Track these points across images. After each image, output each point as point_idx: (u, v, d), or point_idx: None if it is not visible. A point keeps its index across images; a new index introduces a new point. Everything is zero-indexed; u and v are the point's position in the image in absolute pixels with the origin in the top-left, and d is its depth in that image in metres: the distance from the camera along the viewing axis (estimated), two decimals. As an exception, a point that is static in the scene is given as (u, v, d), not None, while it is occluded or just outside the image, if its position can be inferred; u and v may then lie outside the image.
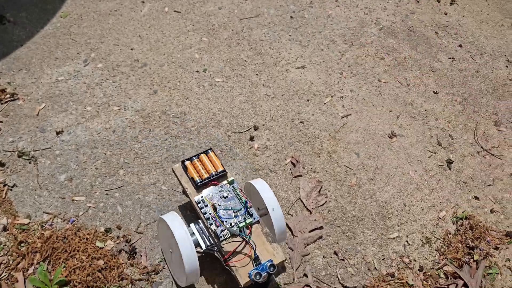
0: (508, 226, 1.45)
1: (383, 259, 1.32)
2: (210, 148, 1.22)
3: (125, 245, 1.24)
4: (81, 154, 1.40)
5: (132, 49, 1.69)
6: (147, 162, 1.41)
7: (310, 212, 1.38)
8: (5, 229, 1.23)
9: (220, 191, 1.14)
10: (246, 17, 1.89)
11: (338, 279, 1.27)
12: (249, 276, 1.02)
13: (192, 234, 1.09)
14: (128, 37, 1.74)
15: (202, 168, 1.17)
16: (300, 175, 1.46)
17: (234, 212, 1.11)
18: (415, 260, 1.34)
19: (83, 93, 1.54)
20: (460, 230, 1.41)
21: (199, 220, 1.12)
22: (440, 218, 1.44)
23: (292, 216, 1.36)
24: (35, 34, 1.66)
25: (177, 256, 1.03)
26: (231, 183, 1.16)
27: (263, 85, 1.69)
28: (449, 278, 1.32)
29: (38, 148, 1.39)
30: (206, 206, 1.11)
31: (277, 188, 1.42)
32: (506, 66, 1.93)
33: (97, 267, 1.18)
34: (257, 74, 1.72)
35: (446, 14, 2.15)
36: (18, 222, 1.24)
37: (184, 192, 1.20)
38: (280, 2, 2.00)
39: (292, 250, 1.30)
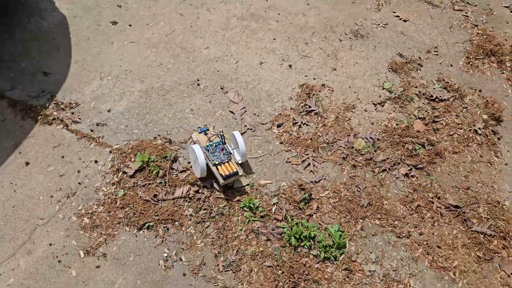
0: (322, 81, 3.23)
1: (274, 110, 3.01)
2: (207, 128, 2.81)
3: (166, 140, 2.76)
4: (125, 115, 2.88)
5: (120, 66, 3.19)
6: (157, 108, 2.94)
7: (237, 103, 3.03)
8: (110, 152, 2.69)
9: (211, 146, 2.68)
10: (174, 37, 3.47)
11: (258, 122, 2.93)
12: (221, 182, 2.54)
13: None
14: (115, 61, 3.22)
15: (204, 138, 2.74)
16: (227, 91, 3.10)
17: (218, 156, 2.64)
18: (288, 106, 3.04)
19: (109, 92, 3.01)
20: (303, 89, 3.15)
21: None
22: (293, 88, 3.17)
23: (230, 107, 2.99)
24: (66, 75, 3.07)
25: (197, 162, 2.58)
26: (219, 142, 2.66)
27: (192, 61, 3.29)
28: (303, 108, 3.04)
29: (104, 119, 2.84)
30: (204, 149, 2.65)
31: (220, 100, 3.03)
32: (304, 15, 3.75)
33: (159, 150, 2.69)
34: (187, 58, 3.31)
35: None
36: (114, 147, 2.71)
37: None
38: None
39: (235, 118, 2.93)
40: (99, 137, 2.76)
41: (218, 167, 2.48)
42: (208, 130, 2.67)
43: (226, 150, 2.56)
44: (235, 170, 2.47)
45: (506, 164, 2.88)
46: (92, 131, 2.78)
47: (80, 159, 2.65)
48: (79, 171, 2.59)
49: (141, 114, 2.90)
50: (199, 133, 2.65)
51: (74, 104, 2.91)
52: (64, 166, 2.61)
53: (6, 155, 2.61)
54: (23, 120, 2.79)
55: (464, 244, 2.49)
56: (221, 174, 2.45)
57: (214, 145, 2.58)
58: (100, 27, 3.42)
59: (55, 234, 2.35)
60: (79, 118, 2.84)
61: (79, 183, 2.54)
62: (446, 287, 2.33)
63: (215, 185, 2.57)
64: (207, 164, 2.49)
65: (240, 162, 2.61)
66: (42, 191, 2.50)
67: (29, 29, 3.31)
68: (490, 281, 2.36)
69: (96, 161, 2.64)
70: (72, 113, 2.86)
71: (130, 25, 3.46)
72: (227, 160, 2.52)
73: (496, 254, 2.46)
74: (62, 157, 2.65)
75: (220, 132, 2.63)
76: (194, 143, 2.64)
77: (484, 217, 2.59)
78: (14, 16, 3.38)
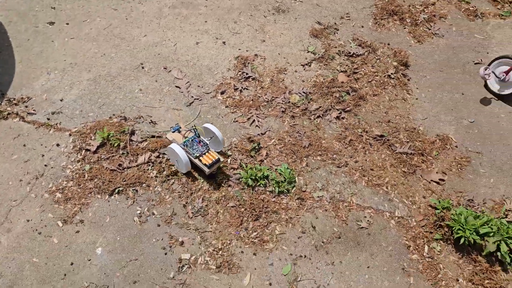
0: (254, 52, 3.60)
1: (216, 81, 3.34)
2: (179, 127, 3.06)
3: (121, 118, 3.00)
4: (78, 102, 3.07)
5: (65, 60, 3.36)
6: (107, 92, 3.16)
7: (182, 79, 3.32)
8: (70, 135, 2.88)
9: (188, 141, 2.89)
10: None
11: (203, 92, 3.24)
12: (207, 171, 2.74)
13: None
14: (59, 56, 3.38)
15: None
16: (170, 70, 3.38)
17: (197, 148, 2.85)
18: (228, 76, 3.38)
19: (58, 84, 3.18)
20: (238, 61, 3.51)
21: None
22: (229, 61, 3.52)
23: (175, 83, 3.28)
24: (13, 74, 3.20)
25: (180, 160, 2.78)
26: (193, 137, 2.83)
27: (133, 49, 3.53)
28: (241, 75, 3.40)
29: (58, 108, 3.02)
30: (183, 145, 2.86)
31: (165, 78, 3.31)
32: None
33: (116, 127, 2.92)
34: (127, 46, 3.56)
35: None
36: (73, 130, 2.90)
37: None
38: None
39: (182, 92, 3.22)
40: (56, 124, 2.93)
41: (200, 158, 2.62)
42: (180, 128, 2.78)
43: (202, 142, 2.70)
44: (217, 158, 2.63)
45: (416, 99, 3.41)
46: (48, 119, 2.95)
47: (41, 145, 2.81)
48: (43, 155, 2.76)
49: (93, 99, 3.11)
50: (173, 132, 2.78)
51: (26, 99, 3.06)
52: (28, 153, 2.77)
53: (-33, 151, 2.72)
54: (-22, 119, 2.90)
55: (391, 164, 2.96)
56: (205, 164, 2.60)
57: (191, 139, 2.71)
58: (38, 29, 3.57)
59: (30, 211, 2.51)
60: (34, 110, 2.99)
61: (45, 165, 2.71)
62: (382, 198, 2.78)
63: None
64: (189, 159, 2.64)
65: (217, 151, 2.76)
66: (10, 177, 2.65)
67: (-34, 38, 3.40)
68: (415, 188, 2.85)
69: (58, 144, 2.82)
70: (26, 107, 3.01)
71: (67, 24, 3.64)
72: (206, 151, 2.67)
73: (417, 167, 2.96)
74: (24, 145, 2.80)
75: (193, 127, 2.77)
76: (171, 143, 2.74)
77: (405, 141, 3.09)
78: None
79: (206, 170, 2.60)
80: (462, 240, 2.50)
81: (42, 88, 3.14)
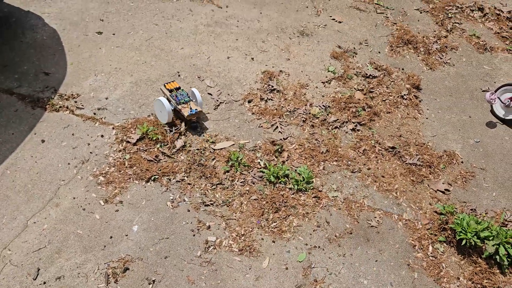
0: (279, 68, 3.96)
1: (244, 91, 3.69)
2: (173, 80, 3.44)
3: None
4: (121, 101, 3.43)
5: (110, 65, 3.75)
6: (147, 94, 3.52)
7: (213, 87, 3.68)
8: (113, 128, 3.22)
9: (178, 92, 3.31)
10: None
11: (232, 100, 3.59)
12: (189, 113, 3.19)
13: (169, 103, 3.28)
14: (105, 61, 3.78)
15: (171, 86, 3.33)
16: (204, 79, 3.74)
17: (183, 97, 3.28)
18: (254, 87, 3.73)
19: (104, 84, 3.56)
20: (265, 75, 3.86)
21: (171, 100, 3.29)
22: (257, 74, 3.87)
23: (207, 90, 3.64)
24: (65, 74, 3.59)
25: (163, 110, 3.18)
26: (182, 90, 3.33)
27: (171, 59, 3.92)
28: (267, 87, 3.75)
29: (103, 105, 3.38)
30: (172, 95, 3.28)
31: (198, 85, 3.67)
32: (258, 21, 4.54)
33: (154, 123, 3.27)
34: (166, 56, 3.95)
35: None
36: (116, 125, 3.24)
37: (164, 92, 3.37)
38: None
39: (213, 98, 3.57)
40: (101, 118, 3.29)
41: (184, 105, 3.23)
42: (197, 110, 3.22)
43: (187, 96, 3.31)
44: (196, 108, 3.22)
45: (427, 118, 3.71)
46: (95, 114, 3.31)
47: (88, 135, 3.16)
48: (89, 144, 3.10)
49: (134, 99, 3.47)
50: (190, 113, 3.21)
51: (75, 95, 3.43)
52: (75, 141, 3.11)
53: (23, 136, 3.08)
54: (33, 110, 3.27)
55: (401, 173, 3.23)
56: (190, 109, 3.19)
57: (179, 93, 3.30)
58: (87, 37, 4.00)
59: (76, 190, 2.83)
60: (82, 105, 3.36)
61: (91, 152, 3.05)
62: (391, 202, 3.04)
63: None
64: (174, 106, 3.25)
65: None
66: (59, 160, 2.98)
67: (25, 41, 3.83)
68: (422, 196, 3.11)
69: (102, 136, 3.16)
70: (75, 102, 3.38)
71: (113, 34, 4.07)
72: (190, 100, 3.29)
73: (425, 178, 3.22)
74: (73, 134, 3.15)
75: (181, 89, 3.36)
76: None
77: (414, 154, 3.37)
78: (9, 31, 3.89)
79: (185, 114, 3.16)
80: (463, 242, 2.73)
81: (90, 87, 3.52)
